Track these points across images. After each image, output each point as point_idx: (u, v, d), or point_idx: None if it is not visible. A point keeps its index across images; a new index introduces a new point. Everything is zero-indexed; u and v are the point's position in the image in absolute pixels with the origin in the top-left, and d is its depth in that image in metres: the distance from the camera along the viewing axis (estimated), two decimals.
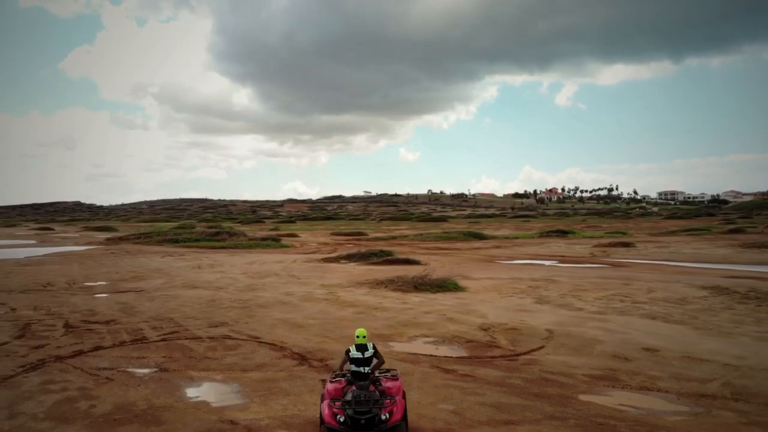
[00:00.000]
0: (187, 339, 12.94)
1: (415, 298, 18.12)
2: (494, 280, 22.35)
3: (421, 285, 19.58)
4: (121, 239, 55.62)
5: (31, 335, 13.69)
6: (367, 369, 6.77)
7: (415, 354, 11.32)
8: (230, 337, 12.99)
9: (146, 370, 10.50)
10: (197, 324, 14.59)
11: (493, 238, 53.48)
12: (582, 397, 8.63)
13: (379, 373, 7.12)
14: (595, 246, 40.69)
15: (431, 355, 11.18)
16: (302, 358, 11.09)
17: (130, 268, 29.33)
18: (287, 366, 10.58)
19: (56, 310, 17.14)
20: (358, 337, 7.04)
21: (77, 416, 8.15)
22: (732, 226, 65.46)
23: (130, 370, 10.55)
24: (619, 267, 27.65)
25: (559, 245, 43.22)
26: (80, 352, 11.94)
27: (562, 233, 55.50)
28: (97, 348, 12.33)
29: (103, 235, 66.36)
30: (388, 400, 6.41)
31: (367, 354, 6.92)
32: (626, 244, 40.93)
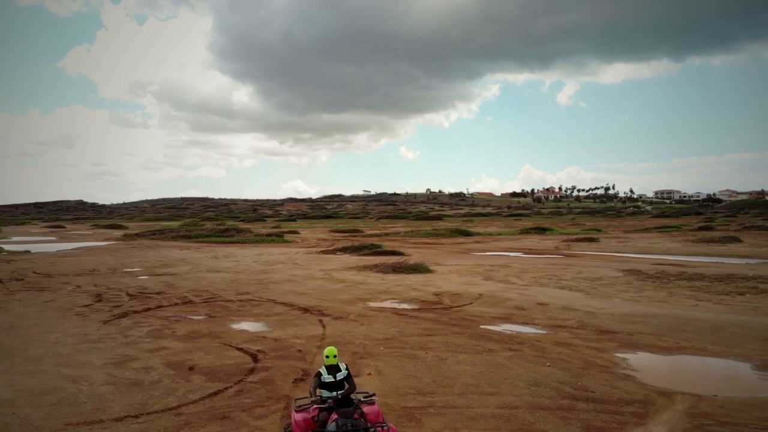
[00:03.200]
0: (222, 301, 18.01)
1: (391, 277, 23.27)
2: (460, 266, 27.45)
3: (398, 268, 24.68)
4: (137, 236, 60.63)
5: (107, 300, 18.72)
6: (339, 394, 5.90)
7: (383, 307, 16.45)
8: (254, 300, 18.07)
9: (200, 317, 15.57)
10: (227, 293, 19.64)
11: (478, 234, 58.53)
12: (482, 326, 13.73)
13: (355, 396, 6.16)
14: (563, 241, 45.80)
15: (393, 308, 16.34)
16: (306, 310, 16.16)
17: (156, 259, 34.34)
18: (296, 314, 15.65)
19: (113, 286, 22.16)
20: (327, 357, 6.08)
21: (166, 336, 13.21)
22: (702, 224, 70.35)
23: (188, 317, 15.61)
24: (571, 257, 32.73)
25: (532, 240, 48.33)
26: (148, 309, 17.00)
27: (541, 230, 60.59)
28: (159, 306, 17.38)
29: (116, 233, 71.38)
30: (381, 428, 5.57)
31: (340, 376, 6.10)
32: (591, 239, 46.01)
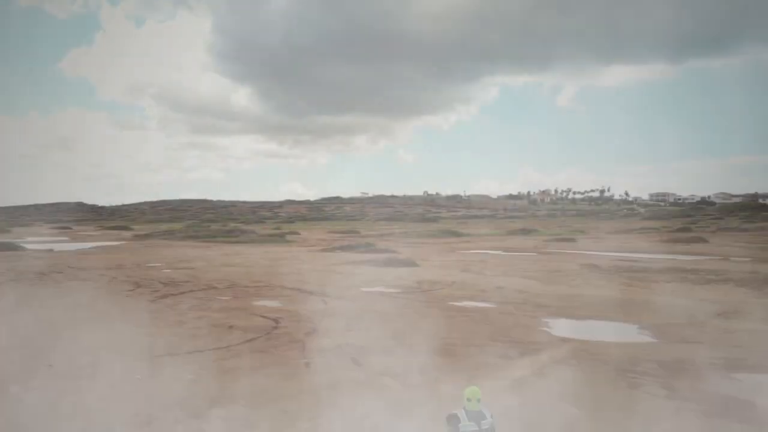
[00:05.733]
0: (242, 287, 21.94)
1: (382, 269, 27.25)
2: (444, 261, 31.44)
3: (389, 263, 28.62)
4: (146, 236, 64.45)
5: (145, 287, 22.59)
6: None
7: (373, 291, 20.48)
8: (267, 286, 22.03)
9: (226, 297, 19.49)
10: (244, 282, 23.56)
11: (468, 235, 62.54)
12: (451, 302, 17.72)
13: None
14: (544, 241, 49.83)
15: (382, 291, 20.31)
16: (310, 293, 20.10)
17: (173, 256, 38.18)
18: (303, 295, 19.60)
19: (145, 276, 26.00)
20: (469, 399, 5.02)
21: (205, 309, 17.14)
22: (681, 226, 74.51)
23: (217, 298, 19.53)
24: (544, 254, 36.74)
25: (515, 240, 52.38)
26: (182, 292, 20.89)
27: (527, 231, 64.64)
28: (191, 291, 21.28)
29: (125, 233, 75.11)
30: None
31: (486, 425, 4.99)
32: (569, 240, 50.05)
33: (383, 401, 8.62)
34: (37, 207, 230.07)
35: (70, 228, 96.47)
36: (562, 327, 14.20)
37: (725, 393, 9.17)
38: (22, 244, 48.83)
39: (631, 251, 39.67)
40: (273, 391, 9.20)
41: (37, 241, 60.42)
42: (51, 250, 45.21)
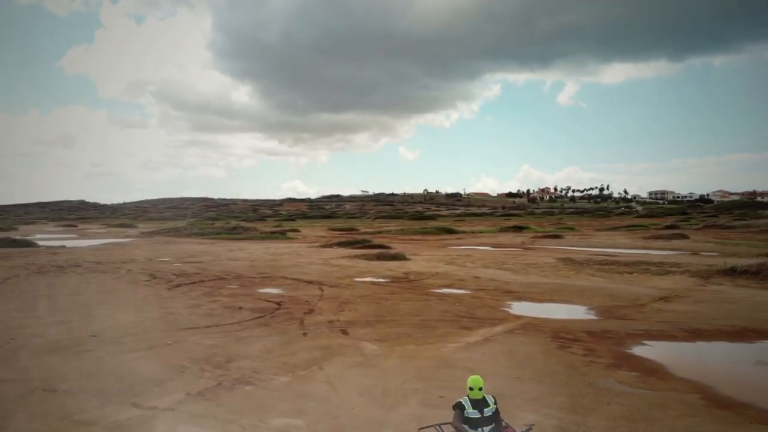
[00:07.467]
0: (247, 277, 24.47)
1: (375, 263, 29.79)
2: (433, 256, 33.97)
3: (381, 257, 31.19)
4: (153, 233, 67.02)
5: (160, 278, 25.12)
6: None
7: (364, 281, 23.00)
8: (270, 277, 24.56)
9: (234, 286, 22.02)
10: (249, 273, 26.09)
11: (461, 233, 65.08)
12: (431, 289, 20.24)
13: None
14: (532, 237, 52.35)
15: (372, 281, 22.85)
16: (309, 282, 22.64)
17: (181, 251, 40.72)
18: (302, 284, 22.13)
19: (159, 269, 28.53)
20: (471, 389, 5.33)
21: (216, 295, 19.66)
22: (669, 224, 76.98)
23: (226, 286, 22.05)
24: (528, 249, 39.25)
25: (506, 237, 54.93)
26: (194, 282, 23.43)
27: (519, 229, 67.17)
28: (201, 281, 23.81)
29: (130, 231, 77.65)
30: None
31: (488, 412, 5.32)
32: (557, 236, 52.56)
33: (362, 357, 11.17)
34: (39, 205, 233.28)
35: (75, 225, 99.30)
36: (521, 308, 16.71)
37: (629, 353, 11.71)
38: (34, 241, 51.47)
39: (610, 247, 42.21)
40: (277, 351, 11.74)
41: (47, 238, 63.09)
42: (63, 247, 47.70)
